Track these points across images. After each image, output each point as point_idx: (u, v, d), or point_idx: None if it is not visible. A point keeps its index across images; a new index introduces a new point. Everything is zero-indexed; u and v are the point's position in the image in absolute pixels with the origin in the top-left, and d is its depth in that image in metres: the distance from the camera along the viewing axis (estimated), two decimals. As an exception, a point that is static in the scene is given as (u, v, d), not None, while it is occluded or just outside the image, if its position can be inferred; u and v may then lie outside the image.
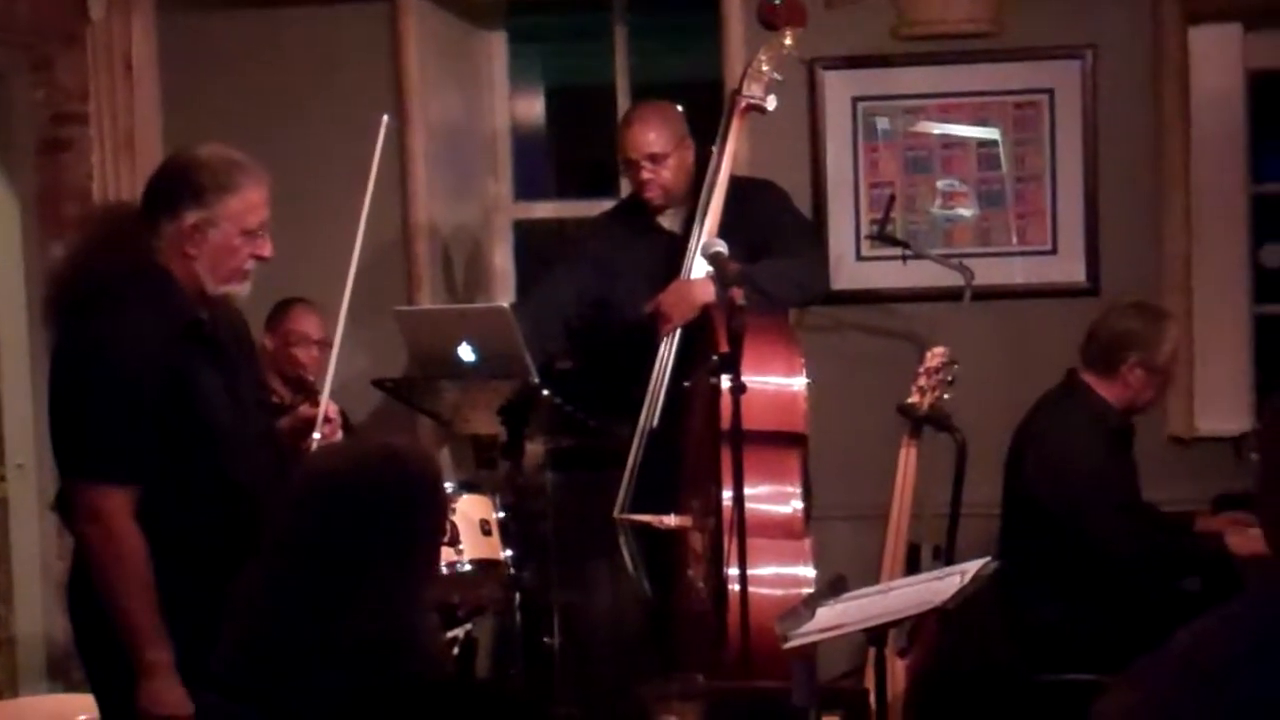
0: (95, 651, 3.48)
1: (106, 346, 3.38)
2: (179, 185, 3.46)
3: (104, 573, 3.35)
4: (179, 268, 3.44)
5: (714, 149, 4.64)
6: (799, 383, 4.32)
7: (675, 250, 4.66)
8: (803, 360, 4.36)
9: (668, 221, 4.78)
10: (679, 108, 4.79)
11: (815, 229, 5.02)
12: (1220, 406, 5.32)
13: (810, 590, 4.11)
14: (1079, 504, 4.46)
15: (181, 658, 3.31)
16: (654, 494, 4.50)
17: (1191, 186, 5.28)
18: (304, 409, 3.87)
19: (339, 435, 3.76)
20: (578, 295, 4.82)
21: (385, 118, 4.03)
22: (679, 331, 4.56)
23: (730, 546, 3.76)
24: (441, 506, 2.62)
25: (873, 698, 3.15)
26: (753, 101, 4.61)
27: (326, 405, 3.72)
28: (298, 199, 4.67)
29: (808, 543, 4.26)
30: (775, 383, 4.25)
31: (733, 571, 3.81)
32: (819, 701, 2.47)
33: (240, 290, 3.53)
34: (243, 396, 3.57)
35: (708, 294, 4.46)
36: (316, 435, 3.68)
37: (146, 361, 3.36)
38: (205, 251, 3.44)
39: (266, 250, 3.50)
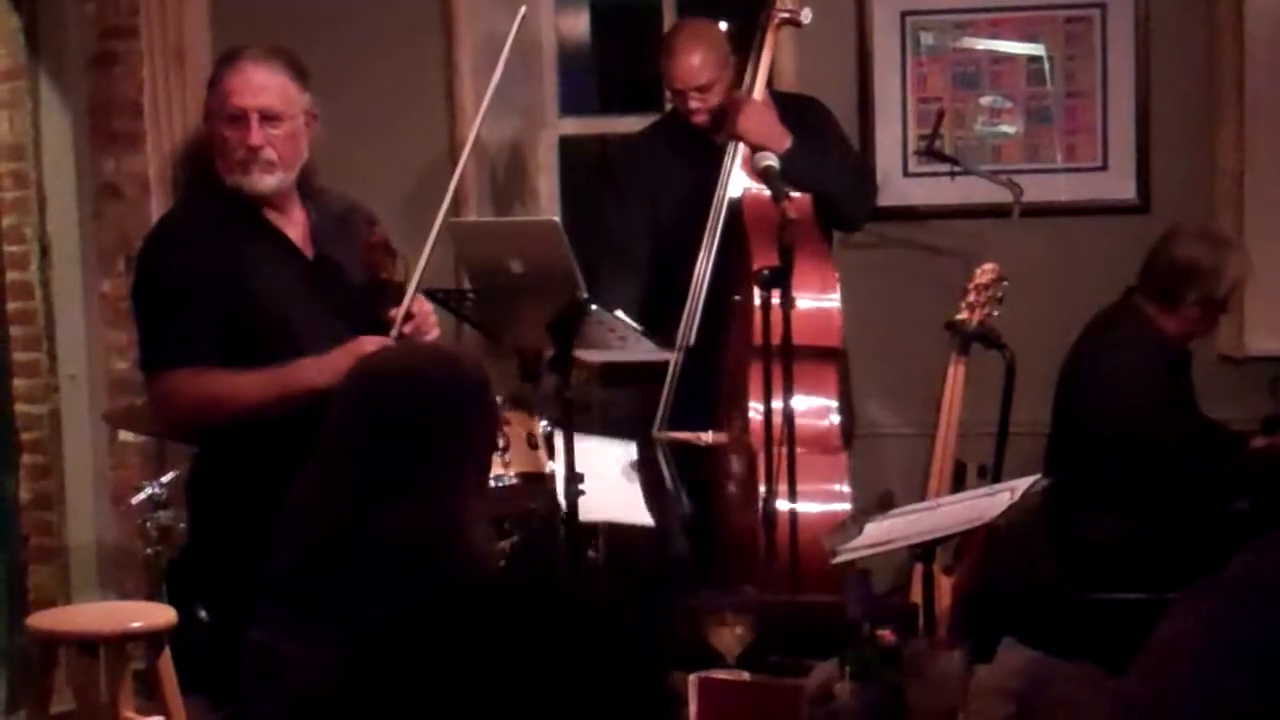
0: (208, 554, 3.57)
1: (152, 245, 3.54)
2: None
3: (220, 410, 3.39)
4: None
5: (749, 65, 4.59)
6: (834, 297, 4.31)
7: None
8: (837, 275, 4.34)
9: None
10: (721, 25, 4.70)
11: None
12: (1271, 325, 5.28)
13: (846, 505, 4.13)
14: (1135, 423, 4.44)
15: (243, 561, 3.36)
16: (692, 411, 4.50)
17: (1245, 103, 5.22)
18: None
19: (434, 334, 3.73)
20: (641, 233, 4.75)
21: (524, 8, 3.92)
22: (715, 248, 4.48)
23: (779, 463, 3.77)
24: (491, 411, 2.61)
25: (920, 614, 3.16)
26: (785, 15, 4.54)
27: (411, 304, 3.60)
28: (345, 113, 4.66)
29: (844, 457, 4.27)
30: (812, 297, 4.23)
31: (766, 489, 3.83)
32: (873, 615, 2.48)
33: (250, 183, 3.48)
34: (321, 290, 3.55)
35: (785, 138, 4.42)
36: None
37: (188, 254, 3.44)
38: (214, 145, 3.53)
39: (249, 138, 3.45)
